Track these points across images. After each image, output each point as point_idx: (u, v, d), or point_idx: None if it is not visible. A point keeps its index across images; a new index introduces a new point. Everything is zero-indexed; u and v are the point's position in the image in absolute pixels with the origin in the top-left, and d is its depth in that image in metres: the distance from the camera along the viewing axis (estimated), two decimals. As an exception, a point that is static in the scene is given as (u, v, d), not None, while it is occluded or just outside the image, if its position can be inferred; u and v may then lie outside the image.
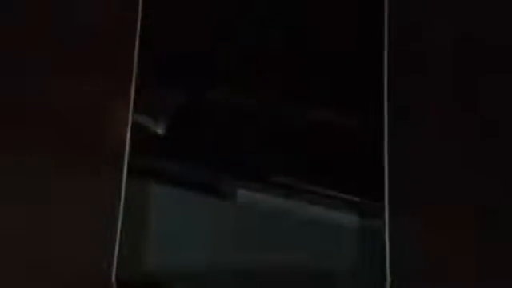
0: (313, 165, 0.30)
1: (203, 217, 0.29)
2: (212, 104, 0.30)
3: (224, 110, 0.30)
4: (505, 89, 0.32)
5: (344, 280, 0.28)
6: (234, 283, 0.29)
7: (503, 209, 0.30)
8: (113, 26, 0.32)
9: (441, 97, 0.32)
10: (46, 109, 0.32)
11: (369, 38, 0.30)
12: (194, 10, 0.31)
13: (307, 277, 0.29)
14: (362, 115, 0.30)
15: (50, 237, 0.30)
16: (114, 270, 0.28)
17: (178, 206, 0.29)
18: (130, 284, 0.28)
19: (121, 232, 0.29)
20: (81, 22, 0.33)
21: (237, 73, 0.30)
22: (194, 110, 0.30)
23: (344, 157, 0.30)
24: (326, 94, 0.30)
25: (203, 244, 0.29)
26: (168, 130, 0.30)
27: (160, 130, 0.30)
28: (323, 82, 0.30)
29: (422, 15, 0.32)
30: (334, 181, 0.29)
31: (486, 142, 0.31)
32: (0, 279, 0.30)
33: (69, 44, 0.32)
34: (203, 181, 0.30)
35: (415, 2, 0.32)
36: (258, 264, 0.29)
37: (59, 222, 0.30)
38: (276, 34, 0.31)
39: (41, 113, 0.32)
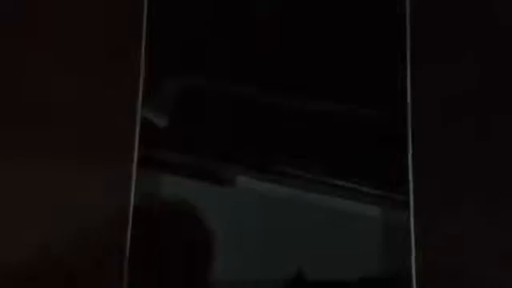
0: (331, 156, 0.29)
1: (211, 207, 0.29)
2: (222, 93, 0.30)
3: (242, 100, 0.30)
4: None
5: (364, 278, 0.28)
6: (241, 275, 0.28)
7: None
8: (118, 19, 0.32)
9: (468, 86, 0.31)
10: (51, 103, 0.31)
11: (391, 28, 0.30)
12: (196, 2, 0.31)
13: (319, 274, 0.28)
14: (385, 106, 0.29)
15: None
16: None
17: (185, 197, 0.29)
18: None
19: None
20: (88, 14, 0.32)
21: (244, 61, 0.30)
22: (197, 100, 0.30)
23: (366, 148, 0.29)
24: (348, 85, 0.30)
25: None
26: (170, 122, 0.29)
27: (161, 122, 0.29)
28: (346, 74, 0.30)
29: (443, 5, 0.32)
30: (355, 173, 0.29)
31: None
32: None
33: (72, 37, 0.32)
34: (212, 171, 0.29)
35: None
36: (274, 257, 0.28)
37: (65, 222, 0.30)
38: (289, 22, 0.30)
39: (45, 108, 0.31)
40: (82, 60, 0.32)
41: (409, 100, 0.29)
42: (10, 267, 0.29)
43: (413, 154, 0.29)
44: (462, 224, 0.30)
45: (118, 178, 0.29)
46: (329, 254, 0.28)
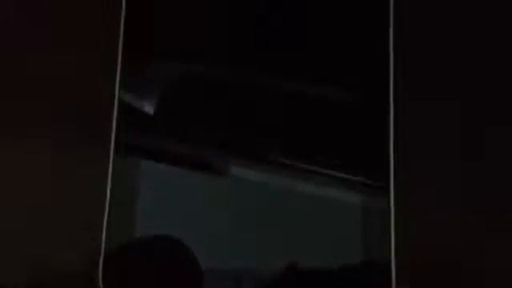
0: (312, 143, 0.28)
1: (194, 195, 0.28)
2: (206, 79, 0.29)
3: (217, 86, 0.29)
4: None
5: (344, 267, 0.28)
6: (226, 264, 0.28)
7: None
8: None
9: (450, 73, 0.30)
10: (29, 83, 0.31)
11: (374, 11, 0.29)
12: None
13: (304, 258, 0.28)
14: (366, 91, 0.28)
15: (33, 215, 0.30)
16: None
17: (167, 185, 0.29)
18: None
19: (108, 213, 0.28)
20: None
21: (230, 47, 0.29)
22: (185, 86, 0.29)
23: (347, 134, 0.28)
24: (329, 70, 0.29)
25: (194, 225, 0.28)
26: (157, 108, 0.29)
27: (148, 108, 0.29)
28: (327, 58, 0.29)
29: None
30: (335, 159, 0.28)
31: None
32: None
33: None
34: (195, 158, 0.29)
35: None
36: (254, 245, 0.28)
37: (42, 200, 0.30)
38: (273, 7, 0.29)
39: (22, 87, 0.31)
40: (62, 36, 0.31)
41: (391, 85, 0.29)
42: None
43: (394, 139, 0.28)
44: (441, 210, 0.29)
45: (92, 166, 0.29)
46: (309, 242, 0.28)
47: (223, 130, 0.29)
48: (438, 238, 0.29)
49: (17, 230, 0.30)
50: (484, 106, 0.30)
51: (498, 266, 0.29)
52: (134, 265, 0.28)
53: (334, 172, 0.28)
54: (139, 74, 0.29)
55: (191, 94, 0.29)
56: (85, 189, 0.29)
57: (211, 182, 0.29)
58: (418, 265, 0.28)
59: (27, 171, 0.30)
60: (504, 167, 0.29)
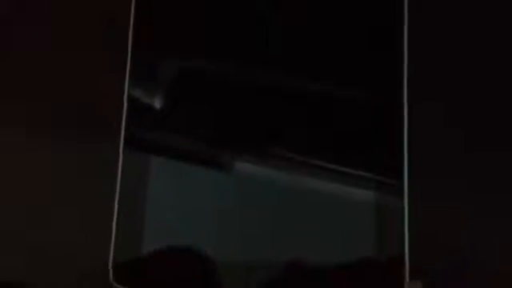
0: (324, 139, 0.28)
1: (201, 191, 0.28)
2: (212, 75, 0.29)
3: (225, 81, 0.29)
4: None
5: (357, 263, 0.28)
6: (234, 261, 0.28)
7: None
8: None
9: (462, 74, 0.30)
10: (29, 83, 0.31)
11: (387, 9, 0.29)
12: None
13: (313, 258, 0.28)
14: (380, 89, 0.28)
15: (33, 215, 0.30)
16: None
17: (174, 180, 0.29)
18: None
19: (118, 210, 0.28)
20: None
21: (239, 44, 0.29)
22: (193, 81, 0.29)
23: (360, 131, 0.28)
24: (342, 66, 0.29)
25: (201, 219, 0.28)
26: (164, 102, 0.29)
27: (156, 103, 0.29)
28: (342, 55, 0.29)
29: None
30: (349, 156, 0.28)
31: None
32: None
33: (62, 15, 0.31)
34: (203, 154, 0.29)
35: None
36: (261, 243, 0.28)
37: (51, 197, 0.30)
38: (282, 3, 0.29)
39: (23, 87, 0.31)
40: (70, 35, 0.31)
41: (405, 83, 0.28)
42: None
43: (408, 137, 0.28)
44: (456, 209, 0.29)
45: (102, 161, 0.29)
46: (322, 238, 0.28)
47: (234, 126, 0.29)
48: (450, 235, 0.29)
49: (17, 229, 0.30)
50: (495, 106, 0.30)
51: (509, 264, 0.29)
52: (146, 261, 0.28)
53: (348, 169, 0.28)
54: (146, 71, 0.29)
55: (198, 90, 0.29)
56: (84, 188, 0.30)
57: (216, 176, 0.29)
58: (431, 262, 0.28)
59: (27, 171, 0.30)
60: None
